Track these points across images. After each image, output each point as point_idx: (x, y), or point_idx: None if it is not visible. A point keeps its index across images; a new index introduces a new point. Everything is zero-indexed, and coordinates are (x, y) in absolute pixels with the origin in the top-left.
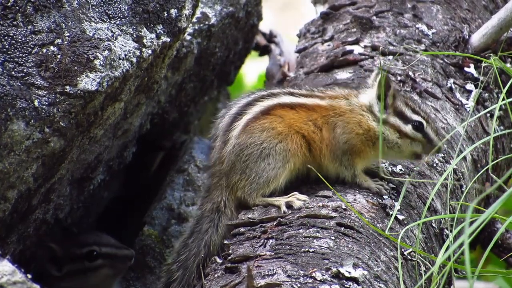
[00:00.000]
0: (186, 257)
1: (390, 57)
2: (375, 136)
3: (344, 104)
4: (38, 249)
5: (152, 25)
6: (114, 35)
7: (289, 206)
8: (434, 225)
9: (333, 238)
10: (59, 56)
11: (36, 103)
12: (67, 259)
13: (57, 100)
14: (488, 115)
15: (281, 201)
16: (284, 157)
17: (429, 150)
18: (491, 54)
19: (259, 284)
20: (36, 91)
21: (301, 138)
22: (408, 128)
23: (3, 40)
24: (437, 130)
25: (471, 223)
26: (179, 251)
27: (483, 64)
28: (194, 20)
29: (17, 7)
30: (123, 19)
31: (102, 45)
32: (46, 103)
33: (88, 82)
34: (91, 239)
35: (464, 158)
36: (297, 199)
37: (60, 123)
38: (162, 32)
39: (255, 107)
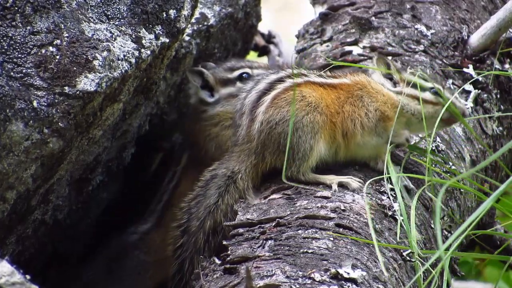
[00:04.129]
0: (188, 221)
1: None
2: (395, 104)
3: (363, 78)
4: (189, 74)
5: (151, 25)
6: (113, 35)
7: (341, 186)
8: (433, 226)
9: (332, 239)
10: (58, 57)
11: (35, 103)
12: (220, 84)
13: (56, 100)
14: (487, 115)
15: (334, 180)
16: (312, 128)
17: (454, 111)
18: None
19: (258, 285)
20: (35, 92)
21: (327, 117)
22: (427, 94)
23: (2, 40)
24: (459, 97)
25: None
26: (181, 216)
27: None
28: (193, 20)
29: (16, 8)
30: (122, 20)
31: (101, 45)
32: (45, 103)
33: (87, 82)
34: (242, 62)
35: (463, 158)
36: (353, 180)
37: (59, 123)
38: (161, 33)
39: (285, 83)
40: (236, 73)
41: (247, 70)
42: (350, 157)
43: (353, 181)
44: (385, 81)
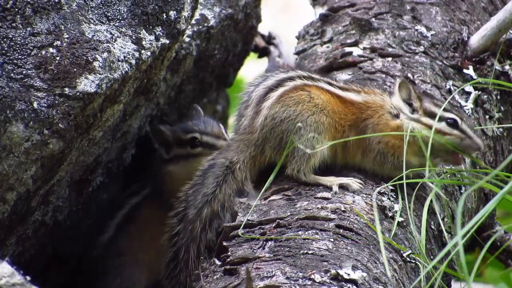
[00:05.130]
0: (185, 210)
1: (389, 58)
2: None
3: (378, 100)
4: (150, 131)
5: (151, 27)
6: (113, 37)
7: (342, 187)
8: (433, 227)
9: (332, 240)
10: (58, 58)
11: (35, 105)
12: (175, 143)
13: (56, 102)
14: (487, 117)
15: (334, 181)
16: (316, 128)
17: (467, 146)
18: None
19: (258, 286)
20: (35, 93)
21: (335, 120)
22: (442, 125)
23: (2, 42)
24: (473, 127)
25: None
26: (178, 204)
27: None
28: (193, 22)
29: (16, 9)
30: (122, 21)
31: (101, 47)
32: (45, 105)
33: (87, 84)
34: (196, 127)
35: (464, 159)
36: (353, 182)
37: (59, 125)
38: (161, 34)
39: (293, 82)
40: (189, 136)
41: (197, 135)
42: (349, 163)
43: (353, 183)
44: (403, 106)
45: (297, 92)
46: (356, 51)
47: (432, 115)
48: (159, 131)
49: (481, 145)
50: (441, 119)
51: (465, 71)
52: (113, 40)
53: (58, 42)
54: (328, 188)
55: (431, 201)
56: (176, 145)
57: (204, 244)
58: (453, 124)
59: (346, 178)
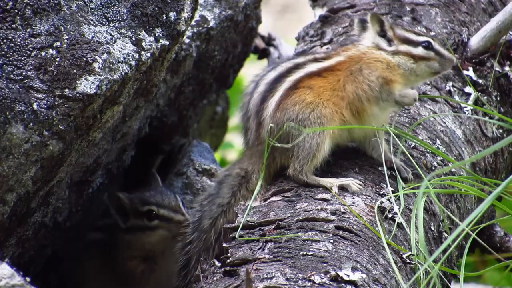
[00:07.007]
0: (200, 220)
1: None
2: (395, 66)
3: (357, 51)
4: (108, 197)
5: (151, 28)
6: (113, 38)
7: (342, 188)
8: (432, 228)
9: (331, 241)
10: (58, 59)
11: (35, 106)
12: (132, 213)
13: (56, 103)
14: (487, 118)
15: (334, 183)
16: (319, 124)
17: (444, 65)
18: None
19: (258, 287)
20: (35, 94)
21: (333, 105)
22: (420, 50)
23: (2, 43)
24: (443, 45)
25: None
26: (194, 213)
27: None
28: (193, 23)
29: (16, 10)
30: (122, 22)
31: (101, 48)
32: (45, 106)
33: (87, 85)
34: (153, 198)
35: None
36: (353, 183)
37: (59, 126)
38: (161, 35)
39: (284, 84)
40: (145, 208)
41: (154, 207)
42: (364, 133)
43: (353, 184)
44: (380, 40)
45: (293, 95)
46: None
47: (406, 41)
48: (117, 198)
49: (453, 59)
50: (416, 44)
51: (465, 72)
52: (113, 42)
53: (58, 43)
54: (328, 190)
55: (430, 202)
56: (133, 215)
57: (216, 253)
58: (428, 46)
59: (346, 179)
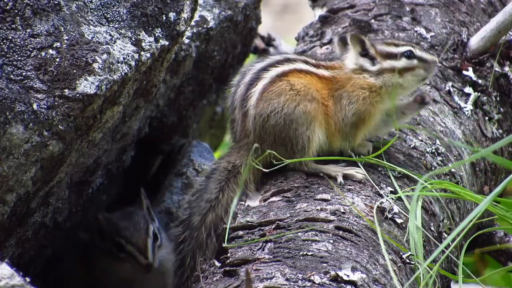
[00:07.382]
0: (189, 216)
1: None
2: (378, 89)
3: (343, 74)
4: (91, 218)
5: (150, 28)
6: (113, 38)
7: (346, 178)
8: (432, 228)
9: (331, 241)
10: (57, 60)
11: (35, 106)
12: (108, 237)
13: (56, 103)
14: (487, 118)
15: (339, 172)
16: (305, 119)
17: (429, 68)
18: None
19: (258, 287)
20: (35, 95)
21: (318, 103)
22: (403, 62)
23: (1, 43)
24: (424, 48)
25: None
26: (183, 211)
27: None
28: (192, 23)
29: (16, 11)
30: (121, 23)
31: (100, 48)
32: (45, 106)
33: (86, 85)
34: (124, 232)
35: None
36: (357, 171)
37: (59, 126)
38: (161, 36)
39: (271, 72)
40: (116, 239)
41: (123, 242)
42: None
43: (357, 173)
44: (363, 61)
45: (277, 84)
46: None
47: (389, 56)
48: (97, 220)
49: (436, 59)
50: (399, 56)
51: (464, 72)
52: (113, 42)
53: (58, 44)
54: (333, 178)
55: (430, 202)
56: (108, 239)
57: (210, 249)
58: (410, 55)
59: (350, 168)
